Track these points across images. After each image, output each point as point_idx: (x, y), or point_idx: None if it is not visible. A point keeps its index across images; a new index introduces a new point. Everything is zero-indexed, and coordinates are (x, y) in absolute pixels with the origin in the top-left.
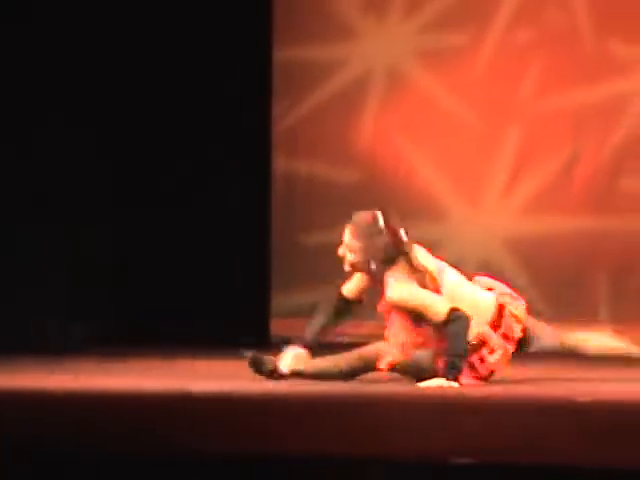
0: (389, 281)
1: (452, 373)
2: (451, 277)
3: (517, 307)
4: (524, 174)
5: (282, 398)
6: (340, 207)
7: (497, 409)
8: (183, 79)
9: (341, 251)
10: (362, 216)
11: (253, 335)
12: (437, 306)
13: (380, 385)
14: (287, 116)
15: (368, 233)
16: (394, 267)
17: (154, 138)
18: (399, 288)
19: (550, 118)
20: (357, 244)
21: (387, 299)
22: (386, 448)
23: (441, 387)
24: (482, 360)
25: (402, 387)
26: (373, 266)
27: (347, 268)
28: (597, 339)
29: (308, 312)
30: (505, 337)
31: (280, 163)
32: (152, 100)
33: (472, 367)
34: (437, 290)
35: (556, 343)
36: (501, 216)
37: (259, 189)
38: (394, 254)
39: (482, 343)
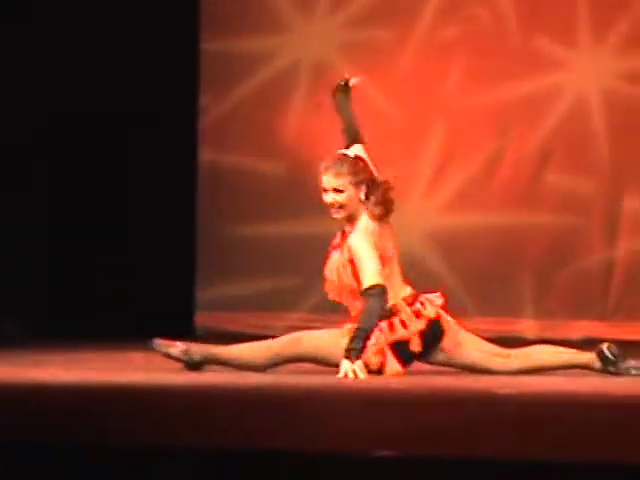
0: (358, 225)
1: (351, 352)
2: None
3: (435, 298)
4: (448, 170)
5: (206, 391)
6: (266, 199)
7: (418, 401)
8: (110, 69)
9: (330, 198)
10: (335, 157)
11: (178, 328)
12: (368, 273)
13: (300, 377)
14: (214, 108)
15: (349, 167)
16: (364, 216)
17: (79, 126)
18: (360, 237)
19: (474, 114)
20: (344, 180)
21: (348, 239)
22: (305, 441)
23: (355, 377)
24: (391, 328)
25: (322, 379)
26: (363, 197)
27: (338, 215)
28: (537, 354)
29: (234, 305)
30: (416, 314)
31: (206, 155)
32: (77, 87)
33: (380, 331)
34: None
35: (483, 357)
36: (425, 212)
37: (185, 181)
38: (372, 187)
39: (394, 312)
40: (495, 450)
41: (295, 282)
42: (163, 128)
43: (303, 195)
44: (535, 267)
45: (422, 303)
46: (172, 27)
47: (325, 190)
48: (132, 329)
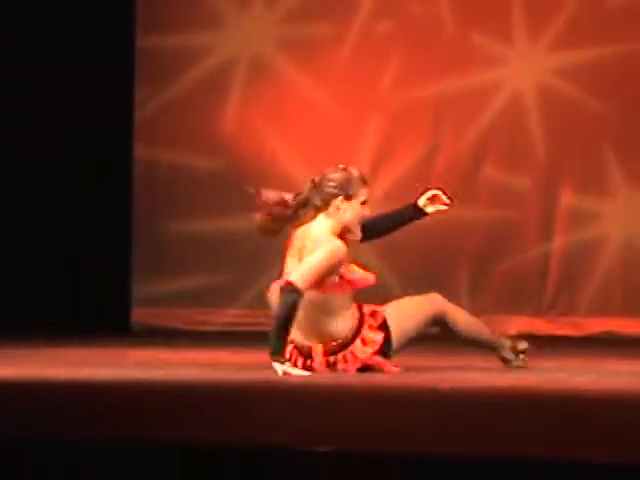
0: (320, 219)
1: (272, 354)
2: None
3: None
4: (385, 164)
5: (152, 386)
6: (203, 195)
7: (362, 398)
8: (45, 65)
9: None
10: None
11: (114, 323)
12: (299, 270)
13: (250, 373)
14: (149, 103)
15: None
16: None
17: (12, 120)
18: (324, 231)
19: (411, 108)
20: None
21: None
22: (255, 436)
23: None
24: (364, 342)
25: (273, 375)
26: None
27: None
28: None
29: (170, 301)
30: (372, 315)
31: (142, 150)
32: (13, 81)
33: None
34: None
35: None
36: None
37: (121, 176)
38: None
39: (360, 327)
40: (430, 446)
41: (232, 278)
42: (98, 123)
43: (240, 190)
44: (471, 262)
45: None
46: (108, 21)
47: (365, 203)
48: (68, 325)
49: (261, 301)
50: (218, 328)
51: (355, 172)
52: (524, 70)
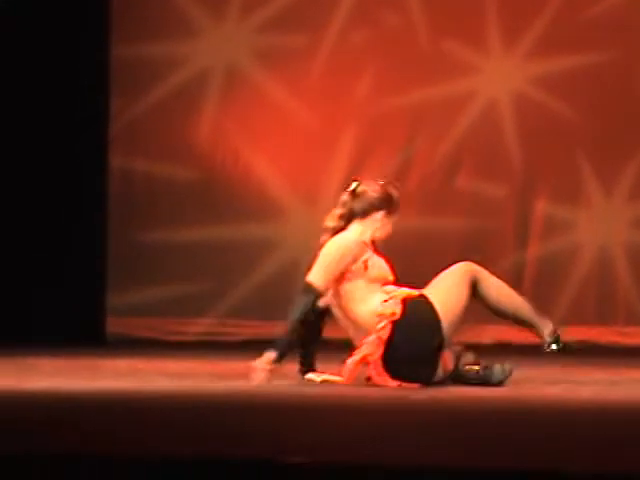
0: (353, 228)
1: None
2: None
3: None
4: (360, 173)
5: (126, 396)
6: (178, 205)
7: (331, 408)
8: (20, 74)
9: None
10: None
11: (89, 333)
12: (316, 270)
13: (225, 382)
14: (125, 113)
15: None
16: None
17: None
18: (344, 236)
19: (386, 118)
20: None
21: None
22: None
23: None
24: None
25: (247, 385)
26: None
27: None
28: None
29: (145, 311)
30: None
31: (117, 160)
32: None
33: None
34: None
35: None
36: None
37: (96, 186)
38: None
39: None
40: (402, 455)
41: (207, 288)
42: (74, 133)
43: (215, 200)
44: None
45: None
46: (83, 31)
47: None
48: (43, 334)
49: (236, 311)
50: (193, 338)
51: (395, 192)
52: (499, 79)
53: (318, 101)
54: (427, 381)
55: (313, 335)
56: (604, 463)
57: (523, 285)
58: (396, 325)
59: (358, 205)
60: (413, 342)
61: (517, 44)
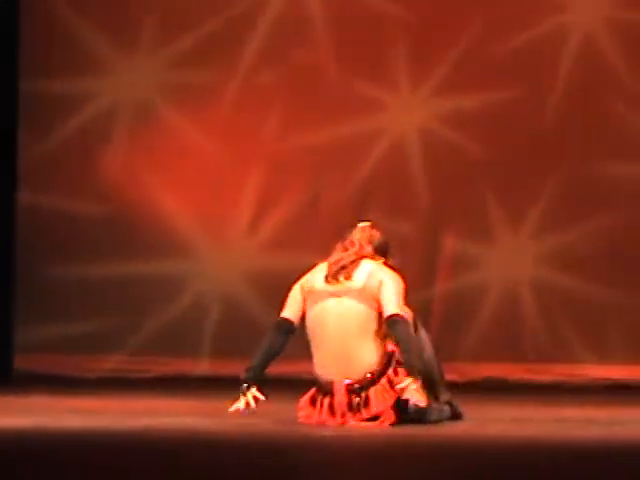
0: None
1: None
2: None
3: None
4: (268, 211)
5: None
6: (86, 240)
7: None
8: None
9: None
10: None
11: None
12: (392, 303)
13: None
14: (33, 149)
15: None
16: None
17: None
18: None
19: (293, 157)
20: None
21: None
22: None
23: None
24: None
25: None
26: None
27: None
28: None
29: (53, 347)
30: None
31: (25, 196)
32: None
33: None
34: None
35: None
36: (244, 252)
37: (3, 222)
38: None
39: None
40: None
41: (116, 324)
42: None
43: (125, 236)
44: None
45: None
46: None
47: None
48: None
49: (147, 347)
50: (103, 374)
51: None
52: (407, 116)
53: (227, 138)
54: None
55: (279, 351)
56: None
57: (431, 322)
58: None
59: (376, 243)
60: None
61: (425, 81)
